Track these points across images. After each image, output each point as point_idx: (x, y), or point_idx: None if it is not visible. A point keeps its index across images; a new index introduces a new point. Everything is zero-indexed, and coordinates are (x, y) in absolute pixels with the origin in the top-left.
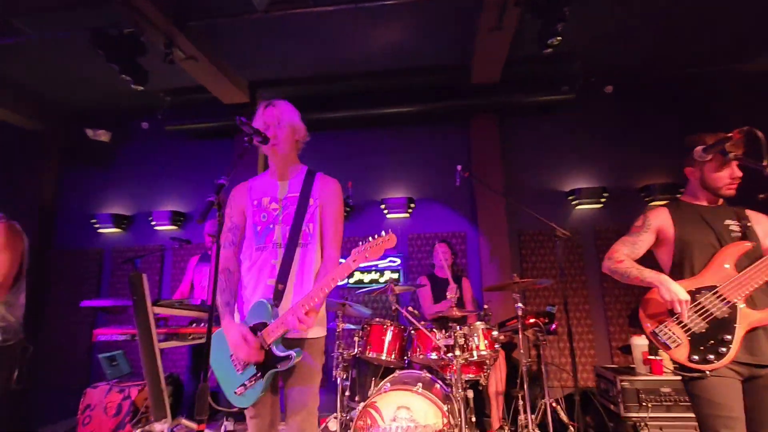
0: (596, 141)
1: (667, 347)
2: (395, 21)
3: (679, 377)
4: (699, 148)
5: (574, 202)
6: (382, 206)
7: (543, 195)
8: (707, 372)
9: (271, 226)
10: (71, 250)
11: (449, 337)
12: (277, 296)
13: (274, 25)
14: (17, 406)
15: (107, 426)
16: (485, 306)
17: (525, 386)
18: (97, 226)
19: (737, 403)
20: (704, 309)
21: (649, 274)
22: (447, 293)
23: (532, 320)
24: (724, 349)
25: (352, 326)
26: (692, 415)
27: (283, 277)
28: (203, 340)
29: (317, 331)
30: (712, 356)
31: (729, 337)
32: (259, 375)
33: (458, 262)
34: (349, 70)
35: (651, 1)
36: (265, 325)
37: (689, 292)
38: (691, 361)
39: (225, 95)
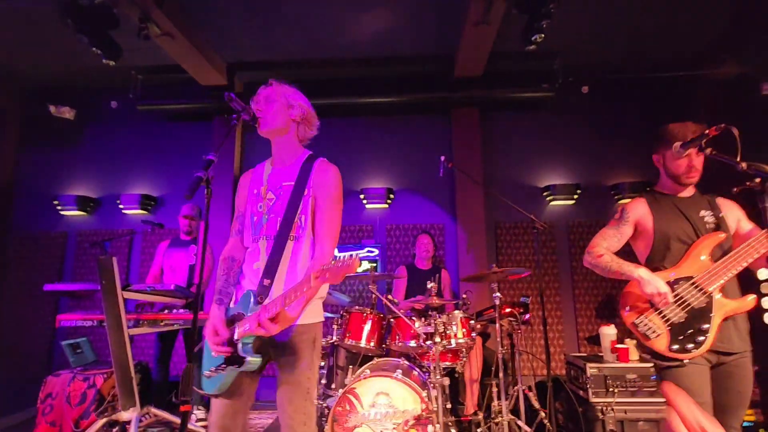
0: (571, 139)
1: (647, 338)
2: (381, 9)
3: (650, 365)
4: (677, 144)
5: (548, 198)
6: (362, 196)
7: (519, 190)
8: (685, 360)
9: (265, 216)
10: (32, 232)
11: (429, 324)
12: (263, 291)
13: (255, 5)
14: None
15: (70, 415)
16: (464, 295)
17: (500, 374)
18: (59, 207)
19: (706, 388)
20: (682, 299)
21: (628, 268)
22: (428, 284)
23: (507, 310)
24: (702, 338)
25: (330, 315)
26: (655, 399)
27: (270, 272)
28: (175, 327)
29: (307, 318)
30: (690, 345)
31: (706, 326)
32: (223, 366)
33: (437, 254)
34: (331, 56)
35: (626, 5)
36: (241, 317)
37: (667, 283)
38: (670, 350)
39: (202, 76)
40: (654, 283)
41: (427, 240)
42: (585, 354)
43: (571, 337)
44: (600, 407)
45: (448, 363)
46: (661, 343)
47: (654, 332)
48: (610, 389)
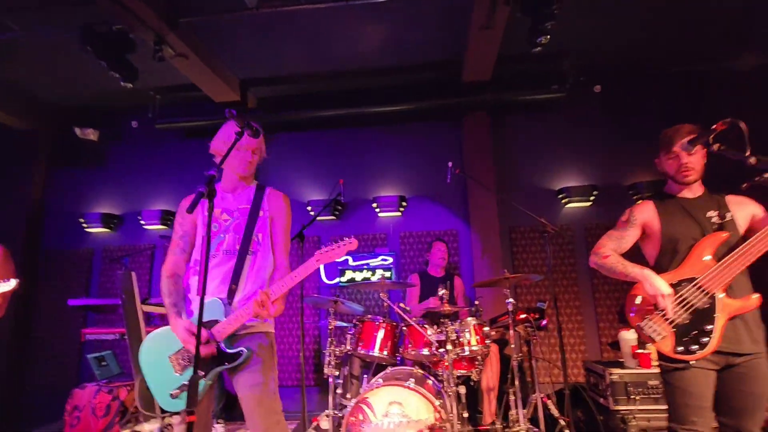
0: (586, 140)
1: (652, 340)
2: (386, 18)
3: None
4: (684, 141)
5: (564, 200)
6: (374, 205)
7: (534, 193)
8: (691, 362)
9: (222, 235)
10: (60, 250)
11: (441, 332)
12: (230, 295)
13: (265, 23)
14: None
15: (96, 427)
16: (476, 302)
17: (516, 381)
18: (85, 225)
19: (709, 393)
20: (686, 301)
21: (633, 270)
22: (438, 291)
23: (522, 316)
24: (706, 339)
25: (344, 324)
26: None
27: (235, 279)
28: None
29: (269, 326)
30: (695, 347)
31: (710, 327)
32: (202, 375)
33: (451, 261)
34: (340, 67)
35: (633, 1)
36: (216, 322)
37: (671, 285)
38: (676, 352)
39: (216, 93)
40: (656, 283)
41: (443, 247)
42: (605, 360)
43: (593, 343)
44: (621, 415)
45: (463, 371)
46: (666, 345)
47: (659, 334)
48: (632, 396)
